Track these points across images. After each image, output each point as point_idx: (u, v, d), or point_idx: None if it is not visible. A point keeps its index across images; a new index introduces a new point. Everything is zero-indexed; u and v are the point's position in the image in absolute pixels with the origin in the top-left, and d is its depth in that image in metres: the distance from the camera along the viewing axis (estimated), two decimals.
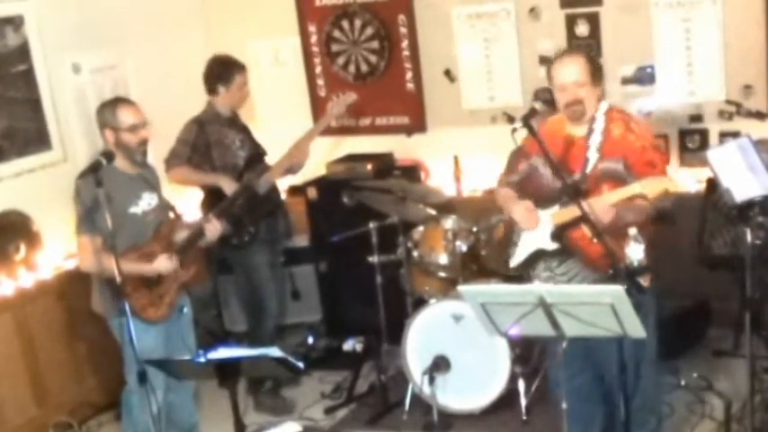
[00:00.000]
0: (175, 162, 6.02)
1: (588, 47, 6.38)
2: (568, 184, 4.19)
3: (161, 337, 4.96)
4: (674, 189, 4.30)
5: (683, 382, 5.63)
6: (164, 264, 4.88)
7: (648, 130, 4.55)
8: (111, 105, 4.93)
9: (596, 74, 4.38)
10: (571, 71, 4.32)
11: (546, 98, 6.24)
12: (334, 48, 7.29)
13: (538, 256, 4.47)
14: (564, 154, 4.37)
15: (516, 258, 4.58)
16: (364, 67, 7.22)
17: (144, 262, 4.86)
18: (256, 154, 6.25)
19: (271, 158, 6.31)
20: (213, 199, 6.02)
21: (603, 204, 4.12)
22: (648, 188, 4.05)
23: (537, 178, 4.52)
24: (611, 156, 4.29)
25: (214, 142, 6.08)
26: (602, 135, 4.33)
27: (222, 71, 6.08)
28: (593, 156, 4.32)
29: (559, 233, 4.27)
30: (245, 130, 6.28)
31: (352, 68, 7.26)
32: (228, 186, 6.00)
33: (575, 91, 4.29)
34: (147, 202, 4.96)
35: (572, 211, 4.16)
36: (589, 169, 4.31)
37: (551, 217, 4.35)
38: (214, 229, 5.09)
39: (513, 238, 4.59)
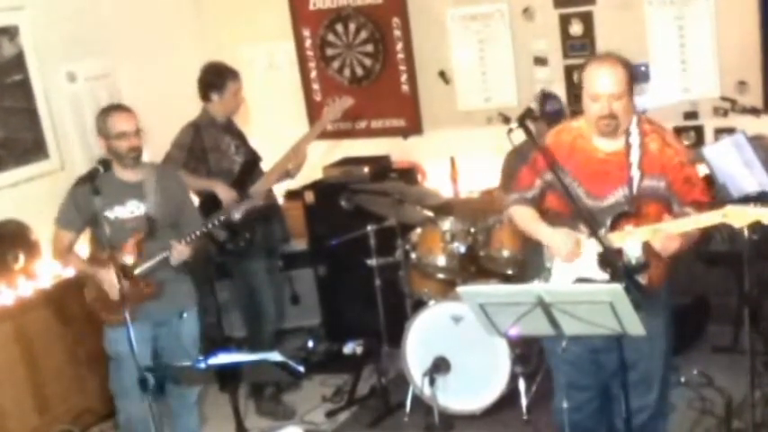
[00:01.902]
0: (170, 166, 6.04)
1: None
2: (621, 207, 4.01)
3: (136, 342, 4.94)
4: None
5: (682, 379, 5.63)
6: (107, 280, 4.87)
7: (681, 142, 4.35)
8: (105, 113, 5.00)
9: (632, 84, 4.06)
10: (609, 81, 3.98)
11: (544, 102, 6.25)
12: (329, 52, 7.30)
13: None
14: (597, 170, 4.09)
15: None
16: (359, 71, 7.24)
17: (95, 265, 4.95)
18: (252, 160, 6.26)
19: (266, 164, 6.32)
20: (209, 204, 6.02)
21: (670, 233, 3.88)
22: (734, 218, 3.78)
23: (562, 193, 4.10)
24: (651, 173, 4.03)
25: (210, 147, 6.09)
26: (640, 150, 4.03)
27: (214, 79, 6.10)
28: (636, 174, 4.02)
29: (610, 260, 3.93)
30: (240, 136, 6.28)
31: (347, 72, 7.27)
32: (223, 192, 6.01)
33: (610, 104, 3.97)
34: (129, 210, 4.96)
35: (624, 237, 3.96)
36: (635, 189, 4.03)
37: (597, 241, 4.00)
38: (179, 254, 4.96)
39: (545, 262, 4.22)
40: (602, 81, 3.99)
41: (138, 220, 4.97)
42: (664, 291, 4.20)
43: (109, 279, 4.83)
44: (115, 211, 4.94)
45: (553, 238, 4.13)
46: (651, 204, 4.06)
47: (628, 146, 4.06)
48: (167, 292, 5.02)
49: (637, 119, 4.10)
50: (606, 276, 3.99)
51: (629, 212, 4.04)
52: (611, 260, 3.89)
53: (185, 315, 5.12)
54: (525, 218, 4.31)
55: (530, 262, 4.37)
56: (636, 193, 4.04)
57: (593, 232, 3.92)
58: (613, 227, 4.03)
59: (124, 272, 4.84)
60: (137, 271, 4.92)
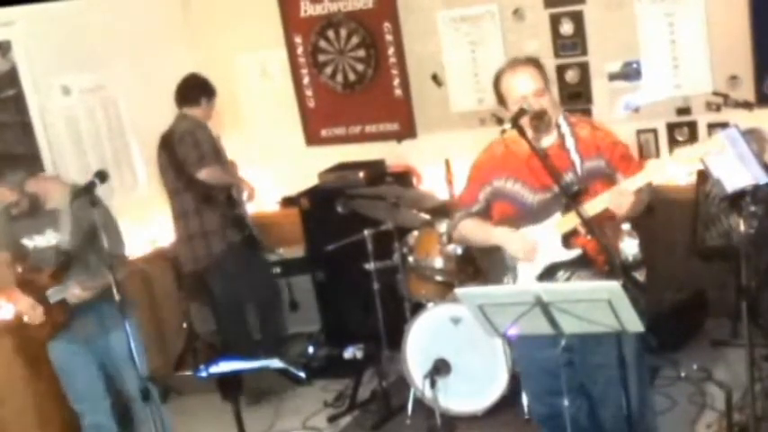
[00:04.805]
0: (207, 162, 6.24)
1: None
2: (572, 188, 4.08)
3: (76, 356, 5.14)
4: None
5: (682, 374, 5.65)
6: (24, 305, 5.02)
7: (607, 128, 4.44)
8: None
9: (547, 78, 4.23)
10: (528, 81, 4.13)
11: None
12: (321, 58, 7.30)
13: (552, 270, 4.18)
14: (538, 165, 4.11)
15: (522, 281, 4.24)
16: (352, 76, 7.24)
17: (20, 286, 5.02)
18: None
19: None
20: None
21: (625, 192, 3.98)
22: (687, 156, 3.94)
23: (508, 199, 4.26)
24: (589, 156, 4.16)
25: (218, 148, 6.41)
26: (573, 137, 4.17)
27: (206, 86, 6.37)
28: (576, 157, 4.14)
29: (571, 239, 4.08)
30: None
31: (339, 78, 7.28)
32: (248, 188, 6.53)
33: (538, 101, 4.10)
34: (46, 239, 4.98)
35: (594, 204, 4.02)
36: (580, 170, 4.13)
37: (556, 226, 4.12)
38: (72, 297, 4.94)
39: (507, 262, 4.26)
40: (520, 83, 4.14)
41: (52, 251, 4.97)
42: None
43: (29, 313, 5.00)
44: (35, 239, 4.99)
45: (513, 242, 4.18)
46: (598, 183, 4.13)
47: (561, 136, 4.19)
48: (90, 316, 5.00)
49: (563, 114, 4.24)
50: (574, 253, 4.09)
51: (581, 189, 4.09)
52: (592, 229, 3.93)
53: (112, 335, 5.04)
54: (473, 228, 4.38)
55: (491, 267, 4.39)
56: (581, 174, 4.13)
57: (570, 201, 3.99)
58: (568, 206, 4.06)
59: (40, 298, 4.94)
60: (51, 299, 4.96)
